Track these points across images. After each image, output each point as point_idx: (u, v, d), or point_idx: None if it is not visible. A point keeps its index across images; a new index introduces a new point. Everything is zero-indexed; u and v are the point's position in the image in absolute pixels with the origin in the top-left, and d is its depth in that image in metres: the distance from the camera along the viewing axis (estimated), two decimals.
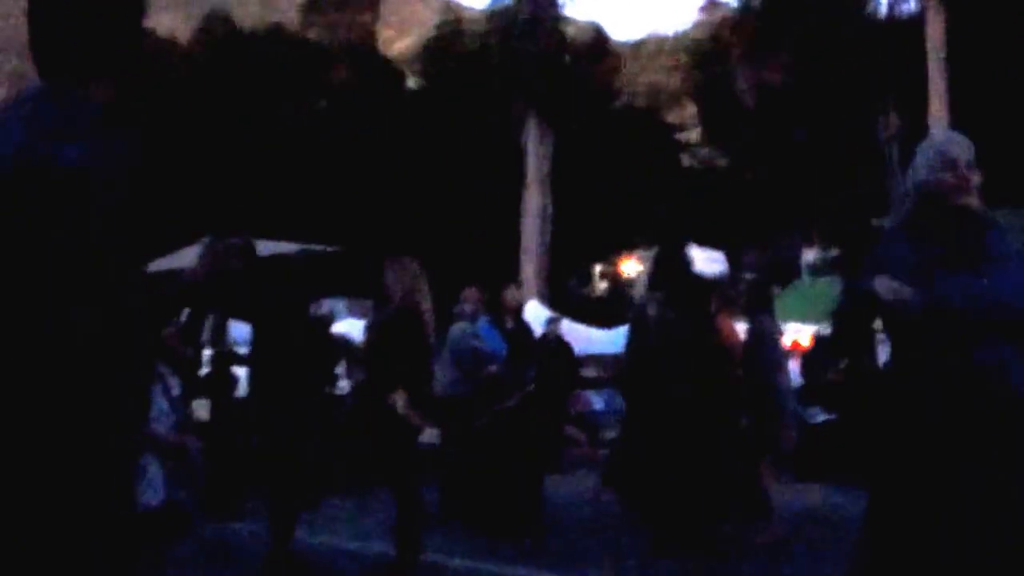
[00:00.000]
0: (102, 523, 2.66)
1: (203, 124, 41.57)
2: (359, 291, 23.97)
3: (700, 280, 9.44)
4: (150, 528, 5.70)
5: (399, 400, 8.10)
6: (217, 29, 57.42)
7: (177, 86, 47.42)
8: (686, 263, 9.53)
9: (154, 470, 5.99)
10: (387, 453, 8.29)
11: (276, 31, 59.45)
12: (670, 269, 9.57)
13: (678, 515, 9.21)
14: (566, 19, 51.73)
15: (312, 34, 60.36)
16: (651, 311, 9.40)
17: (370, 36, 62.01)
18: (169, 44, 59.30)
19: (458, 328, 11.18)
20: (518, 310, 11.36)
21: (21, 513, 2.57)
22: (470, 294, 11.53)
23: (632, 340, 10.14)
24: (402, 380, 8.17)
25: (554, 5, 36.80)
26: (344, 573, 9.21)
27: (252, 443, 11.82)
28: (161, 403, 5.99)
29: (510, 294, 11.28)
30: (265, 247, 15.18)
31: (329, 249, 20.00)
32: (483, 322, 11.15)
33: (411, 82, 58.97)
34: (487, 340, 10.85)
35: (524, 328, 11.30)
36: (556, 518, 11.25)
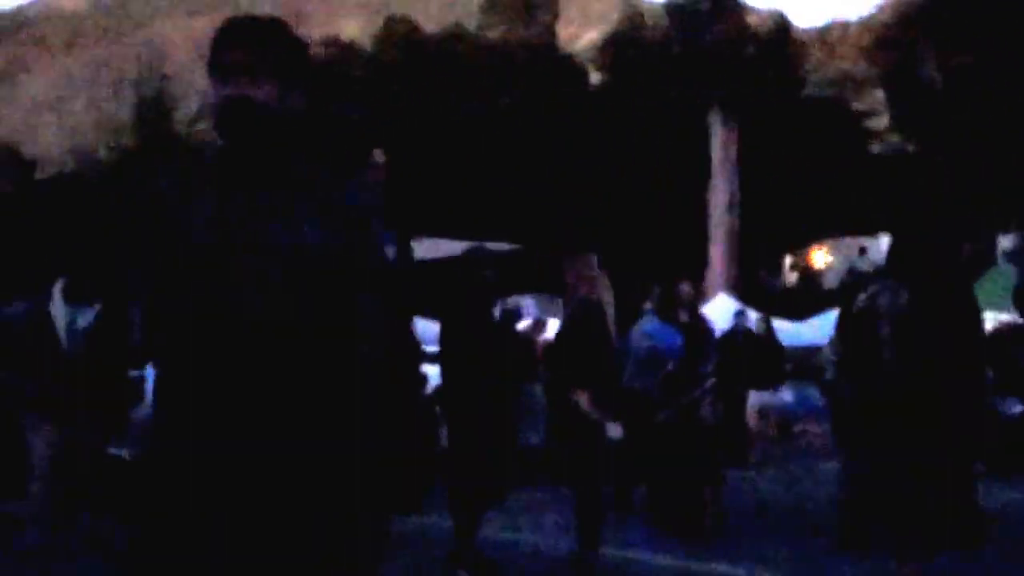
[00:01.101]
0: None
1: (387, 126, 42.24)
2: (550, 289, 24.08)
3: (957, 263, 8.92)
4: None
5: (582, 396, 8.12)
6: (399, 32, 58.32)
7: (361, 89, 48.25)
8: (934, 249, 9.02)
9: None
10: (570, 448, 8.32)
11: (457, 32, 60.16)
12: (919, 254, 9.02)
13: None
14: (748, 8, 51.21)
15: (493, 33, 60.79)
16: (883, 300, 8.92)
17: (551, 33, 62.16)
18: (352, 49, 60.56)
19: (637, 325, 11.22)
20: (693, 304, 11.24)
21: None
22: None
23: (849, 332, 9.75)
24: (585, 376, 8.18)
25: None
26: (526, 568, 9.24)
27: (439, 439, 12.01)
28: None
29: (683, 288, 11.18)
30: (447, 246, 15.39)
31: (512, 247, 20.15)
32: (651, 318, 11.12)
33: (594, 77, 59.04)
34: (659, 336, 10.80)
35: (701, 322, 11.17)
36: (740, 513, 11.12)
